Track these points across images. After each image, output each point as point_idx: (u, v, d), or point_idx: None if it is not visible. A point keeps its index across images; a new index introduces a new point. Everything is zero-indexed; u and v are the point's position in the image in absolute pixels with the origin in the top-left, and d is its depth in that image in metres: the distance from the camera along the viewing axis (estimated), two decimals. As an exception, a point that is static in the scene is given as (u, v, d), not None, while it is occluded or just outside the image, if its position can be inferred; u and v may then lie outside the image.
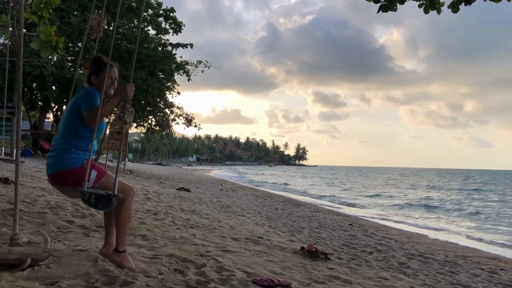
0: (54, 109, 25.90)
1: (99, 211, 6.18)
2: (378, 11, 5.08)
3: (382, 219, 15.28)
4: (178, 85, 23.58)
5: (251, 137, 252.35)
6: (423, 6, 5.10)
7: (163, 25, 22.30)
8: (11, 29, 3.71)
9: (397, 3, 5.08)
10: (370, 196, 28.21)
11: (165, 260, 3.90)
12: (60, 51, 3.60)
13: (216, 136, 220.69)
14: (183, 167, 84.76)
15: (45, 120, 26.91)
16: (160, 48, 21.92)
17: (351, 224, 11.18)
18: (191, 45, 22.68)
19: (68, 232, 4.57)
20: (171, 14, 22.18)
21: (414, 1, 5.12)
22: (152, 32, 22.48)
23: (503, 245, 10.82)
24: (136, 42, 3.47)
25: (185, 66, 22.71)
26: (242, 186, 28.66)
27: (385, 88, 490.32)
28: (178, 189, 14.55)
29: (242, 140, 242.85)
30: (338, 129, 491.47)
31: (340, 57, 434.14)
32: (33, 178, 9.52)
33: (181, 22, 22.52)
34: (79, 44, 19.81)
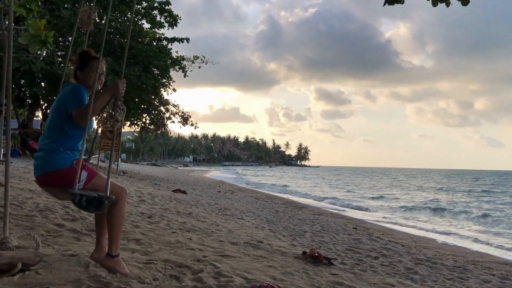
0: (43, 107, 25.88)
1: (91, 214, 6.19)
2: (384, 4, 5.07)
3: (388, 222, 15.30)
4: (173, 81, 23.57)
5: (250, 136, 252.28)
6: (431, -1, 5.10)
7: (158, 18, 22.29)
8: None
9: (404, -4, 5.08)
10: (375, 198, 28.23)
11: (160, 265, 3.90)
12: (49, 46, 3.59)
13: (214, 135, 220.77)
14: (179, 168, 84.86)
15: (34, 118, 26.90)
16: (154, 43, 21.91)
17: (355, 228, 11.20)
18: (188, 40, 22.67)
19: (58, 236, 4.57)
20: (167, 7, 22.17)
21: (422, -7, 5.11)
22: (146, 25, 22.48)
23: (515, 249, 10.83)
24: (128, 36, 3.47)
25: (181, 61, 22.69)
26: (241, 187, 28.68)
27: (391, 84, 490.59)
28: (173, 191, 14.55)
29: (241, 139, 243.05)
30: (341, 128, 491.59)
31: (344, 52, 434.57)
32: (21, 179, 9.51)
33: (177, 15, 22.51)
34: (70, 38, 19.80)
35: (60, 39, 20.14)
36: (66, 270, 3.34)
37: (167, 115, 24.67)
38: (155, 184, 18.02)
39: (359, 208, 20.82)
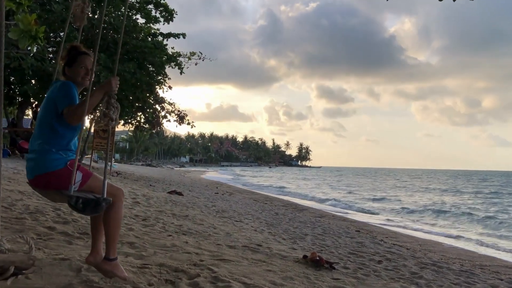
0: (34, 105, 25.86)
1: (83, 217, 6.19)
2: (388, -2, 5.08)
3: (392, 225, 15.31)
4: (169, 78, 23.55)
5: (249, 135, 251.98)
6: (437, -7, 5.10)
7: (153, 13, 22.27)
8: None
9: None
10: (379, 200, 28.24)
11: (155, 269, 3.90)
12: (40, 41, 3.58)
13: (211, 134, 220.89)
14: (175, 169, 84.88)
15: (24, 117, 26.88)
16: (149, 39, 21.88)
17: (358, 231, 11.20)
18: (184, 35, 22.65)
19: (49, 240, 4.57)
20: (162, 1, 22.15)
21: (427, -13, 5.09)
22: (141, 20, 22.46)
23: (523, 253, 10.85)
24: (121, 31, 3.46)
25: (177, 58, 22.67)
26: (239, 189, 28.69)
27: (395, 82, 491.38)
28: (169, 193, 14.55)
29: (240, 139, 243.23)
30: (344, 127, 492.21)
31: (346, 48, 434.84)
32: (10, 180, 9.51)
33: (173, 10, 22.50)
34: (62, 34, 19.78)
35: (51, 34, 20.11)
36: (57, 275, 3.34)
37: (163, 113, 24.68)
38: (150, 185, 18.02)
39: (362, 210, 20.84)
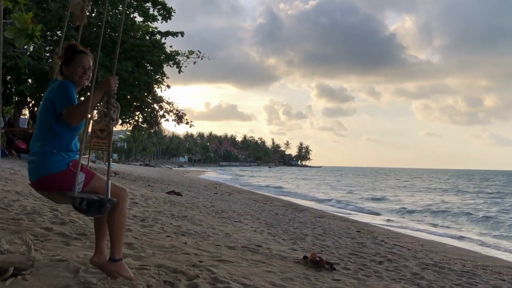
0: (31, 105, 25.82)
1: (80, 217, 6.19)
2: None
3: (393, 225, 15.32)
4: (167, 77, 23.55)
5: (248, 135, 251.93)
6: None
7: (151, 11, 22.27)
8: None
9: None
10: (380, 200, 28.28)
11: (153, 271, 3.90)
12: (37, 40, 3.58)
13: (210, 134, 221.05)
14: (174, 169, 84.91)
15: (21, 116, 26.84)
16: (147, 37, 21.88)
17: (359, 231, 11.21)
18: (182, 34, 22.65)
19: (46, 241, 4.56)
20: (160, -1, 22.15)
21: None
22: (138, 19, 22.45)
23: (526, 253, 10.86)
24: (120, 30, 3.46)
25: (176, 56, 22.66)
26: (238, 189, 28.69)
27: (396, 80, 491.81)
28: (168, 193, 14.54)
29: (239, 138, 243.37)
30: (344, 126, 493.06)
31: (346, 46, 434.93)
32: (7, 180, 9.50)
33: (171, 8, 22.49)
34: (58, 32, 19.77)
35: (48, 33, 20.09)
36: (55, 276, 3.34)
37: (161, 113, 24.66)
38: (149, 185, 18.01)
39: (362, 211, 20.86)
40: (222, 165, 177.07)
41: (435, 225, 16.38)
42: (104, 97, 3.10)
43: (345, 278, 5.05)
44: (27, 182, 10.24)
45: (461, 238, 13.28)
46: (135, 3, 21.52)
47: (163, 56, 21.60)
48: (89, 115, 3.15)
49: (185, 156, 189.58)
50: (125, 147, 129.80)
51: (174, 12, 22.60)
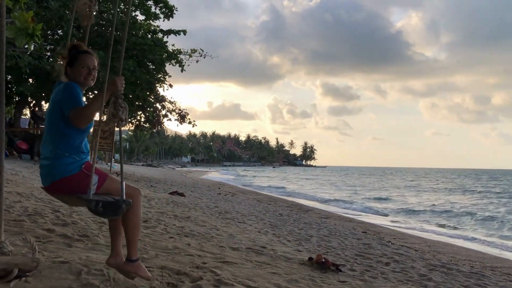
0: (32, 104, 25.90)
1: (83, 218, 6.20)
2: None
3: (400, 226, 15.29)
4: (170, 76, 23.57)
5: (252, 134, 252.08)
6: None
7: (152, 9, 22.28)
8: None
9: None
10: (386, 200, 28.23)
11: (156, 272, 3.90)
12: (37, 39, 3.60)
13: (213, 133, 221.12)
14: (177, 169, 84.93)
15: (22, 116, 26.92)
16: (149, 36, 21.91)
17: (365, 232, 11.19)
18: (184, 32, 22.66)
19: (48, 242, 4.58)
20: (162, -3, 22.15)
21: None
22: (140, 17, 22.47)
23: (535, 254, 10.81)
24: (125, 28, 3.46)
25: (178, 55, 22.68)
26: (242, 189, 28.70)
27: (402, 78, 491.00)
28: (171, 193, 14.56)
29: (242, 138, 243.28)
30: (350, 125, 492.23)
31: (352, 44, 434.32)
32: (8, 182, 9.53)
33: (173, 6, 22.49)
34: (59, 31, 19.83)
35: (49, 32, 20.14)
36: (57, 278, 3.35)
37: (163, 112, 24.69)
38: (151, 186, 18.04)
39: (368, 211, 20.82)
40: (225, 165, 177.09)
41: (442, 226, 16.33)
42: (111, 98, 3.11)
43: (351, 280, 5.05)
44: (29, 183, 10.26)
45: (469, 238, 13.25)
46: (136, 1, 21.54)
47: (165, 55, 21.62)
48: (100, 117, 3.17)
49: (188, 156, 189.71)
50: (127, 147, 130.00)
51: (176, 10, 22.59)
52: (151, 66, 21.65)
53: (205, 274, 4.08)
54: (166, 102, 24.64)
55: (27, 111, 29.41)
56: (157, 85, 23.05)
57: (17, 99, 23.54)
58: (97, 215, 3.15)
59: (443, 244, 11.11)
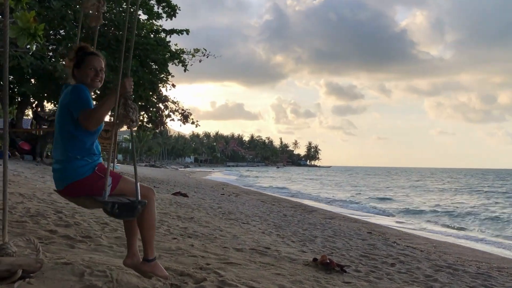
0: (34, 105, 25.96)
1: (86, 219, 6.22)
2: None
3: (405, 226, 15.26)
4: (172, 76, 23.62)
5: (255, 134, 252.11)
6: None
7: (155, 8, 22.30)
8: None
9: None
10: (391, 201, 28.20)
11: (160, 274, 3.90)
12: (39, 39, 3.60)
13: (216, 134, 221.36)
14: (180, 169, 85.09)
15: (24, 117, 27.00)
16: (152, 35, 21.94)
17: (370, 232, 11.18)
18: (187, 31, 22.70)
19: (51, 243, 4.59)
20: (165, -3, 22.17)
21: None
22: (143, 17, 22.50)
23: (543, 255, 10.78)
24: (133, 28, 3.47)
25: (181, 55, 22.72)
26: (245, 190, 28.70)
27: (407, 77, 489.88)
28: (174, 194, 14.59)
29: (246, 138, 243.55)
30: (354, 125, 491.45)
31: (356, 43, 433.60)
32: (10, 182, 9.56)
33: (176, 5, 22.51)
34: (61, 31, 19.87)
35: (51, 32, 20.20)
36: (59, 280, 3.35)
37: (166, 112, 24.74)
38: (154, 186, 18.07)
39: (373, 211, 20.80)
40: (229, 166, 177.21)
41: (448, 226, 16.29)
42: (121, 99, 3.13)
43: (356, 281, 5.04)
44: (31, 184, 10.29)
45: (475, 239, 13.22)
46: (139, 0, 21.55)
47: (168, 55, 21.65)
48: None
49: (191, 157, 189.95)
50: (130, 147, 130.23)
51: (179, 10, 22.61)
52: (154, 66, 21.69)
53: (209, 275, 4.08)
54: (169, 102, 24.69)
55: (29, 112, 29.49)
56: (160, 85, 23.09)
57: (19, 99, 23.59)
58: (113, 217, 3.19)
59: (449, 245, 11.08)
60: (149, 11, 22.12)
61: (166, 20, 22.68)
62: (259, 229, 9.07)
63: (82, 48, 3.43)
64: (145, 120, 25.12)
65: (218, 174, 69.63)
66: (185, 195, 14.49)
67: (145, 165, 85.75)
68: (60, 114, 3.28)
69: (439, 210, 22.27)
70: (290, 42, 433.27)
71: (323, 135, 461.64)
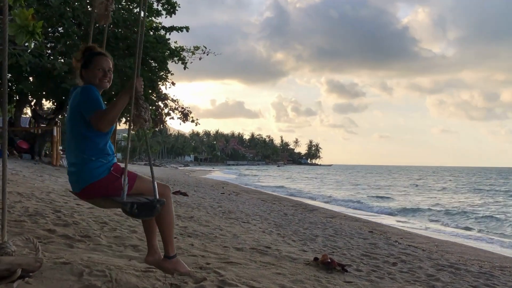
0: (32, 103, 25.96)
1: (85, 219, 6.22)
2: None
3: (407, 225, 15.26)
4: (172, 74, 23.60)
5: (256, 133, 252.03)
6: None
7: (154, 6, 22.28)
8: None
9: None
10: (393, 200, 28.18)
11: (159, 273, 3.91)
12: (38, 37, 3.60)
13: (217, 132, 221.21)
14: (179, 168, 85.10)
15: (22, 115, 26.99)
16: (151, 33, 21.91)
17: (371, 231, 11.18)
18: (187, 29, 22.66)
19: (49, 243, 4.59)
20: (164, -7, 22.14)
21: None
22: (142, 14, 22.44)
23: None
24: (139, 27, 3.46)
25: (181, 52, 22.70)
26: (246, 189, 28.71)
27: (409, 75, 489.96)
28: (173, 193, 14.58)
29: (246, 136, 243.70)
30: (355, 123, 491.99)
31: (357, 40, 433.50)
32: (8, 181, 9.56)
33: (176, 3, 22.49)
34: (60, 29, 19.86)
35: (49, 29, 20.18)
36: (58, 279, 3.36)
37: (166, 110, 24.77)
38: (154, 185, 18.04)
39: (375, 210, 20.80)
40: (229, 164, 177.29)
41: (450, 225, 16.29)
42: (132, 100, 3.14)
43: (358, 280, 5.05)
44: (29, 183, 10.29)
45: (477, 238, 13.22)
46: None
47: (167, 52, 21.61)
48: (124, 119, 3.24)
49: (191, 155, 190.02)
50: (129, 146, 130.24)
51: (179, 7, 22.57)
52: (153, 64, 21.67)
53: (209, 274, 4.08)
54: (168, 100, 24.70)
55: (27, 110, 29.48)
56: (159, 83, 23.08)
57: (17, 98, 23.59)
58: (132, 217, 3.22)
59: (451, 244, 11.08)
60: (148, 8, 22.06)
61: (166, 17, 22.67)
62: (260, 228, 9.08)
63: (89, 48, 3.45)
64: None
65: (218, 173, 69.65)
66: (184, 194, 14.50)
67: (145, 164, 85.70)
68: (71, 117, 3.29)
69: (440, 209, 22.25)
70: (291, 40, 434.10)
71: (324, 133, 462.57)
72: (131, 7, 21.22)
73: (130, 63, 18.62)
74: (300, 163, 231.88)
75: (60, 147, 23.76)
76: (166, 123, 26.15)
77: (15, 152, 21.63)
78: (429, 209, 21.83)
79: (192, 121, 25.37)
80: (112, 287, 3.33)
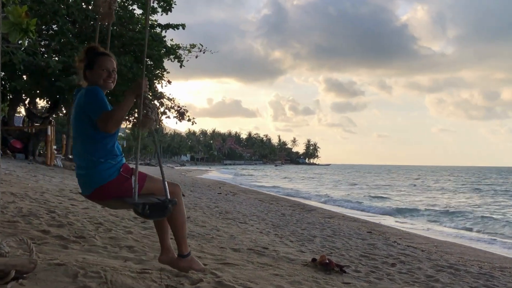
0: (26, 102, 25.90)
1: (80, 219, 6.21)
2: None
3: (406, 226, 15.28)
4: (168, 72, 23.60)
5: (253, 132, 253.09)
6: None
7: (150, 3, 22.24)
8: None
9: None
10: (392, 200, 28.21)
11: (155, 275, 3.90)
12: (32, 34, 3.59)
13: (213, 131, 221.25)
14: (176, 168, 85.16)
15: (16, 115, 26.93)
16: (147, 30, 21.87)
17: (370, 232, 11.20)
18: (183, 26, 22.65)
19: (43, 244, 4.58)
20: (160, -9, 22.12)
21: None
22: (138, 11, 22.44)
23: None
24: (146, 27, 3.46)
25: (177, 50, 22.69)
26: (243, 189, 28.72)
27: (408, 73, 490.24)
28: (169, 193, 14.57)
29: (244, 135, 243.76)
30: (354, 122, 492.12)
31: (356, 38, 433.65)
32: (2, 181, 9.54)
33: (171, 0, 22.49)
34: (54, 26, 19.83)
35: (43, 27, 20.15)
36: (52, 281, 3.35)
37: (162, 109, 24.72)
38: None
39: (373, 210, 20.80)
40: (226, 164, 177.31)
41: (449, 225, 16.31)
42: (138, 100, 3.15)
43: (356, 281, 5.05)
44: (23, 183, 10.26)
45: (477, 238, 13.25)
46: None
47: (163, 50, 21.60)
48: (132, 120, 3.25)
49: (187, 155, 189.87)
50: (124, 145, 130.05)
51: (175, 4, 22.55)
52: (149, 62, 21.65)
53: (205, 276, 4.07)
54: (164, 99, 24.67)
55: (21, 109, 29.40)
56: (155, 81, 23.05)
57: (11, 96, 23.54)
58: (144, 218, 3.22)
59: (451, 244, 11.10)
60: (144, 6, 22.06)
61: (162, 14, 22.67)
62: (257, 228, 9.08)
63: (92, 48, 3.43)
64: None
65: (215, 173, 69.63)
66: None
67: (140, 164, 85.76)
68: (77, 119, 3.29)
69: (439, 209, 22.28)
70: (289, 38, 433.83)
71: (322, 132, 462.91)
72: (126, 4, 21.19)
73: (125, 61, 18.60)
74: (298, 163, 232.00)
75: (54, 147, 23.72)
76: (162, 122, 26.12)
77: (8, 151, 21.58)
78: (428, 209, 21.86)
79: (189, 120, 25.36)
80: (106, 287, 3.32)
